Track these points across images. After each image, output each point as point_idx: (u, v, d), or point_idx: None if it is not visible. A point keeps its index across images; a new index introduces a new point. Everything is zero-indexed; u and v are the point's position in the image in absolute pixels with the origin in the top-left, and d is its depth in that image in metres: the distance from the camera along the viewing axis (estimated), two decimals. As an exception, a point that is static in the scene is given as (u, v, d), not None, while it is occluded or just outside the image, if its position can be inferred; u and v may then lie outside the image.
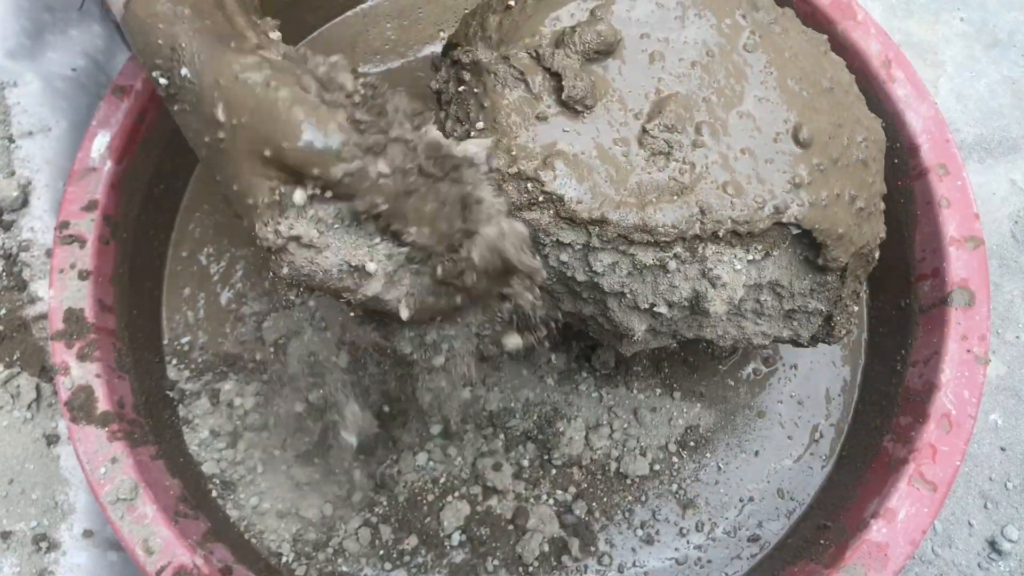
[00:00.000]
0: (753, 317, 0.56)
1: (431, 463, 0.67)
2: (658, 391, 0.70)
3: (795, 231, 0.51)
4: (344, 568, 0.64)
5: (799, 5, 0.70)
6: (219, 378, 0.68)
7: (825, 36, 0.58)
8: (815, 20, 0.70)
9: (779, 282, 0.54)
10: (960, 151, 0.66)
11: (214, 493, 0.65)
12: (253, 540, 0.64)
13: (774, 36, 0.54)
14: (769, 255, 0.52)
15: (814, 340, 0.58)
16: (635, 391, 0.70)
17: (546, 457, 0.67)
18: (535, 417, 0.68)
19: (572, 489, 0.67)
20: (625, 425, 0.68)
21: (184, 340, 0.70)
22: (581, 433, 0.68)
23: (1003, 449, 0.79)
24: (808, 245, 0.52)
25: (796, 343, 0.58)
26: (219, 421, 0.67)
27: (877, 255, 0.57)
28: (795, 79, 0.53)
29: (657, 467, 0.68)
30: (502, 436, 0.68)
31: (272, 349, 0.69)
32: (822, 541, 0.61)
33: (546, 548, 0.65)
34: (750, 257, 0.52)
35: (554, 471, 0.67)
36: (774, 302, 0.55)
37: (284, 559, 0.63)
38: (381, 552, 0.64)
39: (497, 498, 0.66)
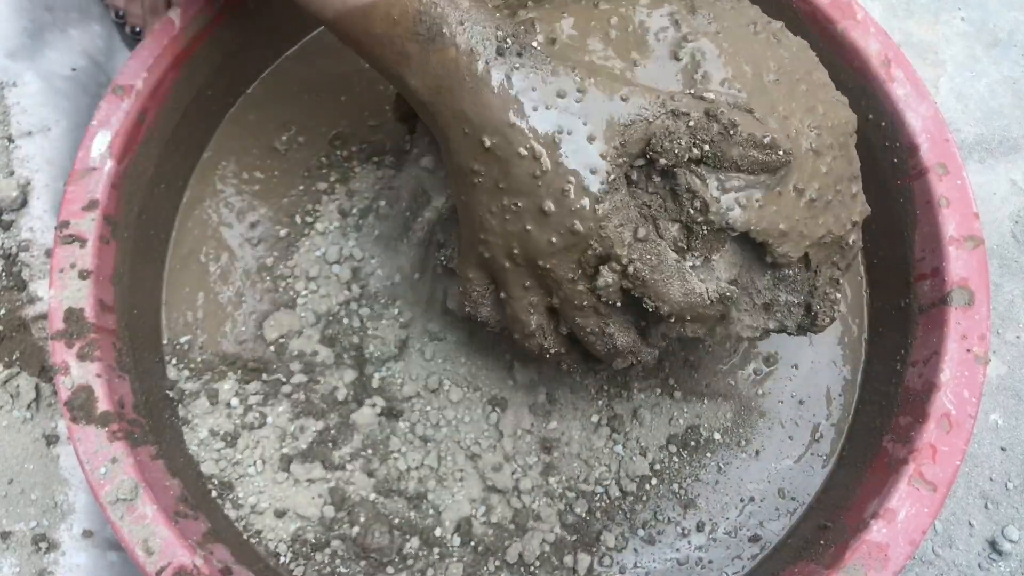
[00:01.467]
0: (736, 320, 0.55)
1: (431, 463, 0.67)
2: (658, 391, 0.70)
3: (732, 233, 0.50)
4: (343, 569, 0.63)
5: (799, 5, 0.70)
6: (218, 377, 0.68)
7: (781, 23, 0.56)
8: (814, 19, 0.70)
9: (737, 280, 0.53)
10: (960, 151, 0.66)
11: (214, 493, 0.64)
12: (252, 540, 0.64)
13: (709, 38, 0.52)
14: (709, 259, 0.51)
15: (801, 329, 0.57)
16: (635, 391, 0.70)
17: (546, 457, 0.67)
18: (536, 416, 0.68)
19: (573, 489, 0.67)
20: (625, 425, 0.68)
21: (183, 339, 0.70)
22: (582, 433, 0.68)
23: (1003, 449, 0.79)
24: (752, 244, 0.52)
25: (785, 332, 0.57)
26: (218, 421, 0.67)
27: (854, 239, 0.55)
28: (728, 79, 0.51)
29: (657, 467, 0.68)
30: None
31: (273, 348, 0.69)
32: (822, 541, 0.61)
33: (547, 548, 0.65)
34: (689, 263, 0.51)
35: (555, 471, 0.67)
36: (744, 297, 0.54)
37: (282, 559, 0.63)
38: (381, 552, 0.64)
39: (498, 498, 0.66)
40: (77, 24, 0.83)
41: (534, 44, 0.48)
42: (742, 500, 0.68)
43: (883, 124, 0.68)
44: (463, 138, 0.48)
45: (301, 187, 0.75)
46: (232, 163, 0.76)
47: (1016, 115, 0.94)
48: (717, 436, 0.69)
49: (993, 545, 0.75)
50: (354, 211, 0.73)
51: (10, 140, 0.75)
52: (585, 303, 0.51)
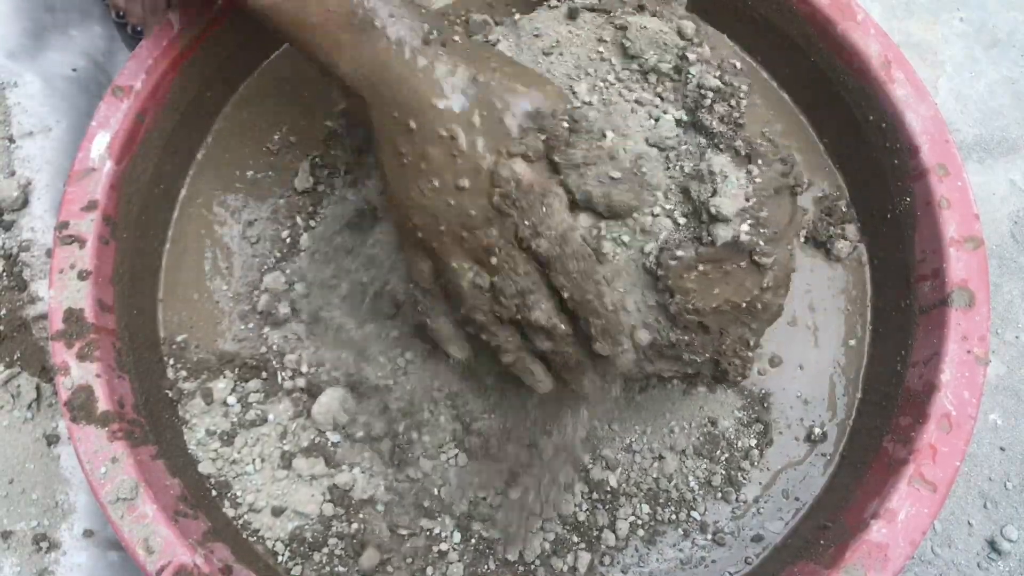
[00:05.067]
0: (647, 362, 0.55)
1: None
2: (662, 391, 0.70)
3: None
4: (340, 568, 0.63)
5: (799, 6, 0.70)
6: (213, 376, 0.68)
7: None
8: (814, 20, 0.70)
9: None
10: (960, 151, 0.66)
11: (213, 492, 0.64)
12: (250, 539, 0.64)
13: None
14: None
15: (715, 380, 0.58)
16: (638, 391, 0.69)
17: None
18: (539, 418, 0.68)
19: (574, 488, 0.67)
20: (627, 424, 0.68)
21: (179, 338, 0.69)
22: (584, 434, 0.68)
23: (1003, 449, 0.79)
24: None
25: (701, 379, 0.58)
26: (215, 420, 0.67)
27: (768, 300, 0.54)
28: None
29: (660, 466, 0.68)
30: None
31: (276, 347, 0.69)
32: (822, 541, 0.61)
33: (547, 547, 0.65)
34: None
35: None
36: (654, 353, 0.55)
37: (280, 558, 0.63)
38: (381, 552, 0.64)
39: (499, 497, 0.66)
40: (78, 24, 0.83)
41: (455, 39, 0.52)
42: (745, 500, 0.68)
43: (883, 125, 0.68)
44: (393, 123, 0.51)
45: (298, 187, 0.75)
46: (226, 162, 0.76)
47: (1015, 115, 0.94)
48: (721, 436, 0.69)
49: (992, 545, 0.75)
50: (355, 211, 0.73)
51: (11, 140, 0.75)
52: (506, 265, 0.52)
